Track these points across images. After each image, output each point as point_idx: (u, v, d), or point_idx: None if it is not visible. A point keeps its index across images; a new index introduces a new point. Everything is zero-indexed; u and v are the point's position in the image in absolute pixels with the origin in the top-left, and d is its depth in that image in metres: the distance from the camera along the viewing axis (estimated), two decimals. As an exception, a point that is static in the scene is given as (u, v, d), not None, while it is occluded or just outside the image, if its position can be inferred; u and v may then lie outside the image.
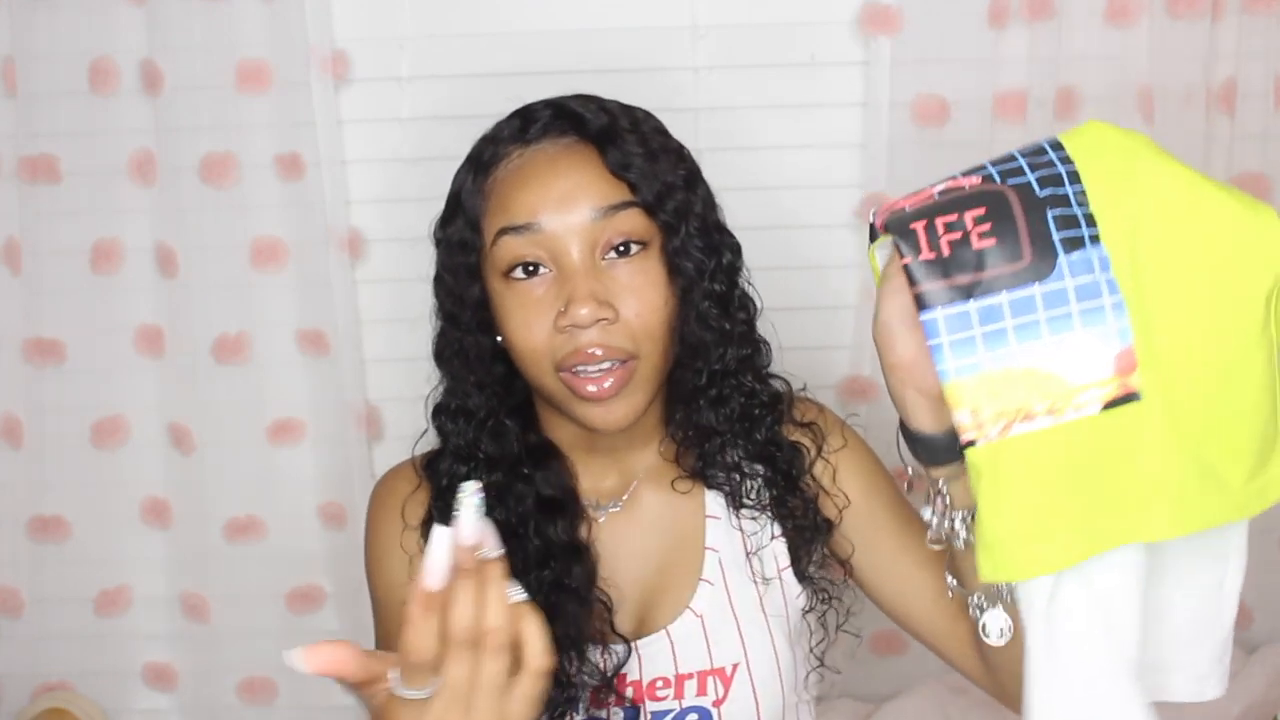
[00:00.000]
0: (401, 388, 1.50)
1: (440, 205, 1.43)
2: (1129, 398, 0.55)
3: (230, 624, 1.48)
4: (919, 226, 0.56)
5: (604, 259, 0.80)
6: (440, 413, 0.92)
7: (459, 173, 0.87)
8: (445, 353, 0.90)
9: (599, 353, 0.78)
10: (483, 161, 0.85)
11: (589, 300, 0.77)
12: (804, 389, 0.95)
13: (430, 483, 0.91)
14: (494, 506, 0.86)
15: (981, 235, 0.55)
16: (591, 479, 0.91)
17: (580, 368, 0.79)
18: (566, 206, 0.79)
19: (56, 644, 1.50)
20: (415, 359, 1.49)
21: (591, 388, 0.79)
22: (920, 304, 0.56)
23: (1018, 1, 1.34)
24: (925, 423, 0.63)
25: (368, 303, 1.46)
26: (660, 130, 0.86)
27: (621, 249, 0.80)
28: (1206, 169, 1.37)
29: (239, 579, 1.47)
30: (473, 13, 1.41)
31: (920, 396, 0.63)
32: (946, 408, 0.58)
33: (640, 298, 0.80)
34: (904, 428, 0.66)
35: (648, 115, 0.87)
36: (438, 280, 0.89)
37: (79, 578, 1.48)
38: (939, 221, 0.56)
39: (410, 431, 1.48)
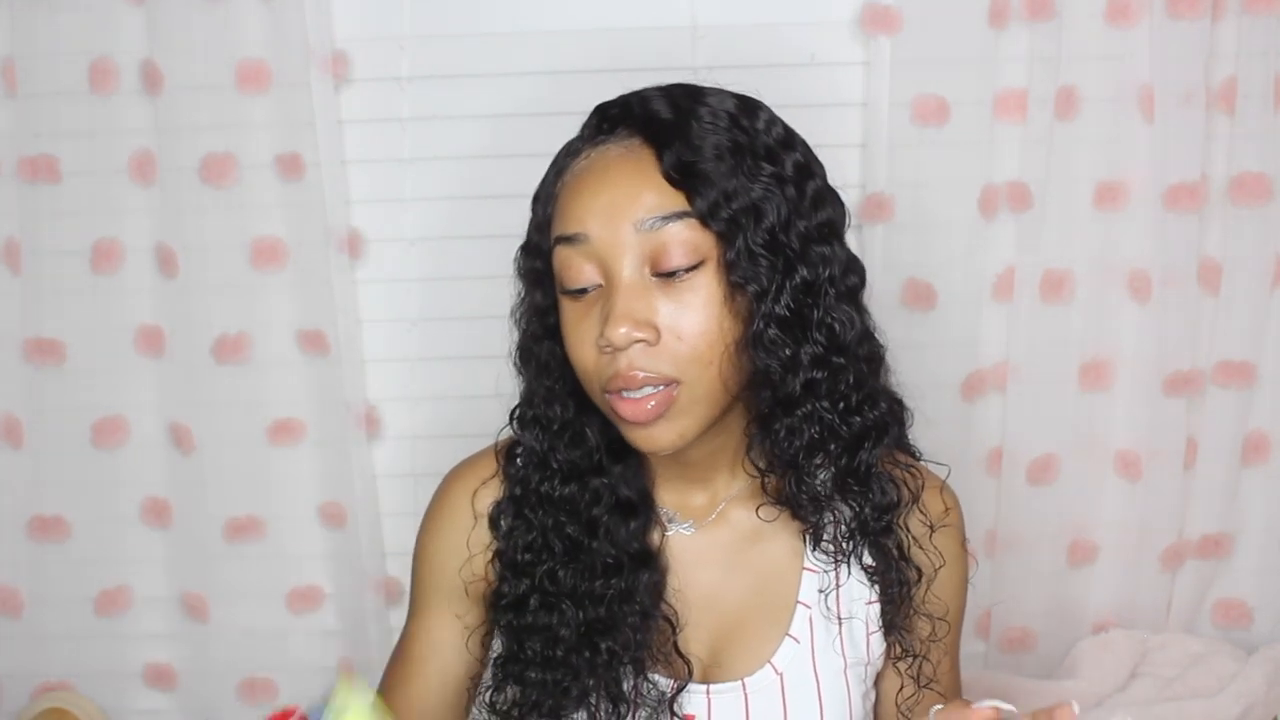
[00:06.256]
0: (401, 388, 1.50)
1: (440, 205, 1.45)
2: None
3: (230, 624, 1.48)
4: None
5: (655, 275, 0.74)
6: (518, 420, 0.87)
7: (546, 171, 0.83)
8: (523, 358, 0.86)
9: (639, 375, 0.73)
10: (559, 163, 0.81)
11: (625, 320, 0.73)
12: (949, 475, 0.90)
13: (506, 476, 0.87)
14: (565, 522, 0.83)
15: None
16: (676, 495, 0.86)
17: (624, 391, 0.74)
18: (613, 217, 0.74)
19: (56, 644, 1.50)
20: (415, 359, 1.51)
21: (631, 411, 0.75)
22: None
23: (1018, 1, 1.34)
24: None
25: (368, 303, 1.46)
26: (748, 127, 0.77)
27: (670, 272, 0.74)
28: (1207, 169, 1.38)
29: (239, 579, 1.47)
30: (473, 13, 1.41)
31: None
32: None
33: (685, 320, 0.74)
34: None
35: (747, 108, 0.78)
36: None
37: (79, 578, 1.48)
38: None
39: (410, 431, 1.51)
